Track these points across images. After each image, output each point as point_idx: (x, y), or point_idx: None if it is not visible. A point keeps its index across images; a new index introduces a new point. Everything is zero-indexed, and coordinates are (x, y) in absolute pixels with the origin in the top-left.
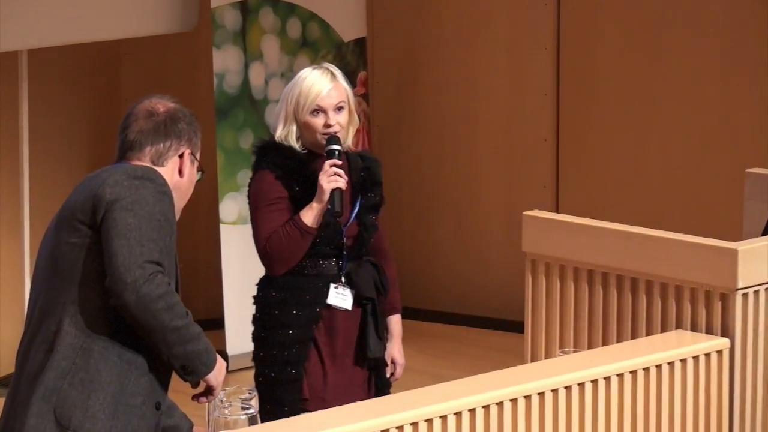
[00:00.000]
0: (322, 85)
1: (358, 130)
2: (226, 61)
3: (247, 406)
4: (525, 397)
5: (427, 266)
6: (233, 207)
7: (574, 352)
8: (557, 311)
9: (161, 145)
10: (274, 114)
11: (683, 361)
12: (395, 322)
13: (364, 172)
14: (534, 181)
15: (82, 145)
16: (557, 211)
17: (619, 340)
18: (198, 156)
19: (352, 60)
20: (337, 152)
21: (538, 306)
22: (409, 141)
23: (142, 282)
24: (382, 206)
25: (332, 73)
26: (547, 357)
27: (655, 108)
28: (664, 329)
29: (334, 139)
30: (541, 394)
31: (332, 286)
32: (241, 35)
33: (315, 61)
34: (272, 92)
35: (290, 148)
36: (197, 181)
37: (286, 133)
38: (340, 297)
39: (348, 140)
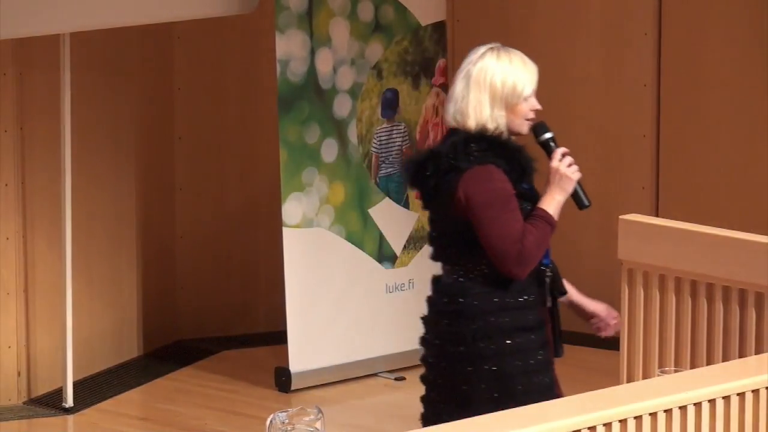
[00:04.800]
0: (534, 67)
1: (435, 125)
2: (290, 46)
3: (312, 429)
4: (620, 421)
5: None
6: (297, 209)
7: (675, 371)
8: (656, 326)
9: None
10: (461, 102)
11: None
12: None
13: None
14: (631, 181)
15: (130, 141)
16: (657, 215)
17: (726, 358)
18: None
19: (429, 46)
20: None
21: (636, 320)
22: None
23: None
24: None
25: None
26: (644, 377)
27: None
28: None
29: (544, 125)
30: (638, 419)
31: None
32: (307, 18)
33: (388, 47)
34: (341, 81)
35: (505, 139)
36: None
37: (495, 123)
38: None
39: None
